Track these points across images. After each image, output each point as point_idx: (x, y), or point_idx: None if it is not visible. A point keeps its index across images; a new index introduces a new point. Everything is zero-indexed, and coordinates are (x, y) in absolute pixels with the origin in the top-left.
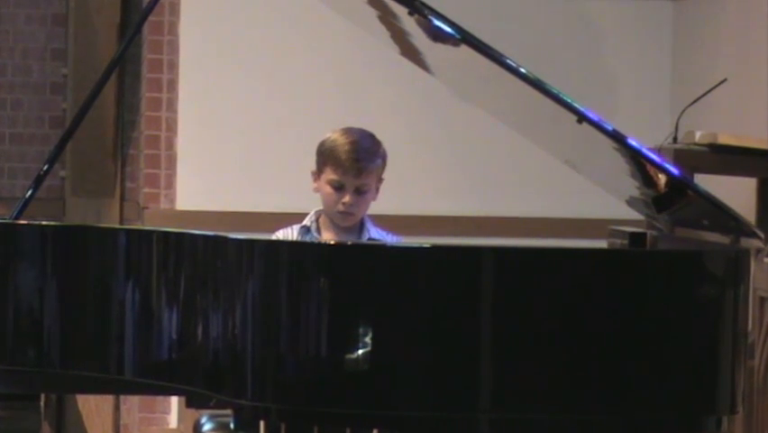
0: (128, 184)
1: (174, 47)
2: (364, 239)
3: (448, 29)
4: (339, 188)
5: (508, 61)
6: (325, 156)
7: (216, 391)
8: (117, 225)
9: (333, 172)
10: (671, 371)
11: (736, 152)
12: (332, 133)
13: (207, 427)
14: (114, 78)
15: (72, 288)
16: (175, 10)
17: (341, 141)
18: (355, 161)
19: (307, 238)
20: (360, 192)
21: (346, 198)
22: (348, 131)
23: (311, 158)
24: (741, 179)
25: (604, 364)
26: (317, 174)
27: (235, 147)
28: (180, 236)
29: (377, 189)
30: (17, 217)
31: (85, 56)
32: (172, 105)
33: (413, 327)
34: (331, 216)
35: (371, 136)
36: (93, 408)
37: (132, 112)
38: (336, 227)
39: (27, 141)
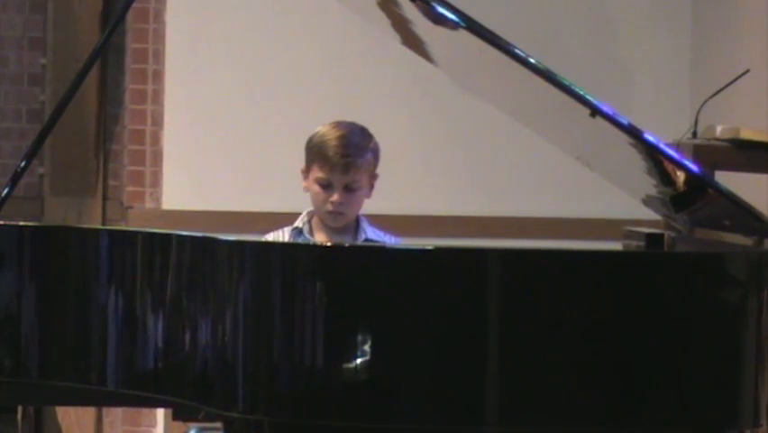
0: (111, 182)
1: (160, 36)
2: (360, 240)
3: (452, 16)
4: (327, 186)
5: (517, 51)
6: (313, 153)
7: (205, 402)
8: (99, 226)
9: (319, 170)
10: (689, 381)
11: (760, 148)
12: (320, 127)
13: None
14: (95, 68)
15: (51, 293)
16: None
17: (328, 135)
18: (342, 156)
19: (299, 241)
20: (349, 190)
21: (334, 197)
22: (337, 125)
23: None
24: (765, 177)
25: (618, 375)
26: (306, 172)
27: (225, 143)
28: (167, 238)
29: (371, 186)
30: None
31: (65, 45)
32: (158, 98)
33: (414, 335)
34: (321, 216)
35: (362, 129)
36: (73, 421)
37: (115, 105)
38: (330, 228)
39: (3, 136)
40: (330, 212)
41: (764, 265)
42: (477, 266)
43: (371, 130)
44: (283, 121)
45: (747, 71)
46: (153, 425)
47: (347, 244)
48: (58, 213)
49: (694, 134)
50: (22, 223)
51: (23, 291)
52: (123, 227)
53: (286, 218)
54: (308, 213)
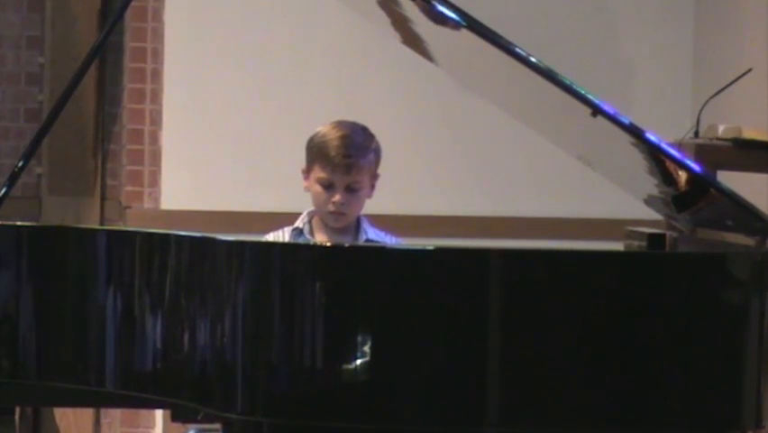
0: (109, 182)
1: (158, 35)
2: (361, 241)
3: (452, 15)
4: (328, 186)
5: (517, 50)
6: (314, 153)
7: (204, 403)
8: (97, 226)
9: (321, 170)
10: (691, 382)
11: (762, 148)
12: (322, 127)
13: None
14: (94, 67)
15: (49, 293)
16: None
17: (330, 135)
18: (344, 156)
19: (300, 241)
20: (351, 190)
21: (336, 197)
22: (338, 124)
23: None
24: (767, 177)
25: (619, 375)
26: (307, 172)
27: (224, 142)
28: (165, 238)
29: (372, 186)
30: None
31: (63, 44)
32: (156, 97)
33: (415, 336)
34: (322, 216)
35: (363, 129)
36: (71, 422)
37: (113, 104)
38: (330, 229)
39: (1, 135)
40: (332, 212)
41: (767, 265)
42: (478, 266)
43: (372, 130)
44: (283, 120)
45: (749, 70)
46: (152, 426)
47: (347, 245)
48: (56, 213)
49: (696, 134)
50: (19, 223)
51: (21, 292)
52: (122, 227)
53: (286, 218)
54: (309, 213)
